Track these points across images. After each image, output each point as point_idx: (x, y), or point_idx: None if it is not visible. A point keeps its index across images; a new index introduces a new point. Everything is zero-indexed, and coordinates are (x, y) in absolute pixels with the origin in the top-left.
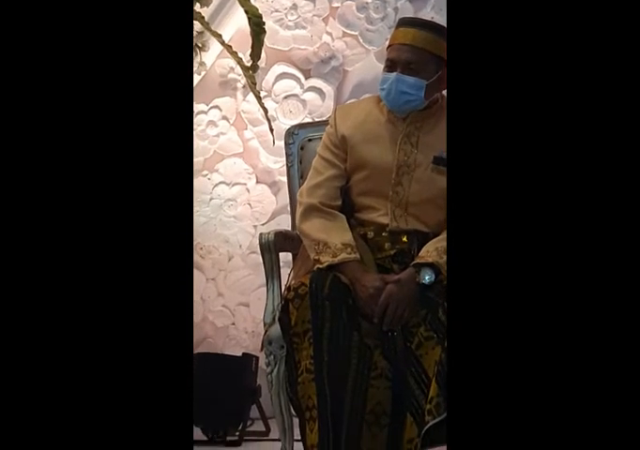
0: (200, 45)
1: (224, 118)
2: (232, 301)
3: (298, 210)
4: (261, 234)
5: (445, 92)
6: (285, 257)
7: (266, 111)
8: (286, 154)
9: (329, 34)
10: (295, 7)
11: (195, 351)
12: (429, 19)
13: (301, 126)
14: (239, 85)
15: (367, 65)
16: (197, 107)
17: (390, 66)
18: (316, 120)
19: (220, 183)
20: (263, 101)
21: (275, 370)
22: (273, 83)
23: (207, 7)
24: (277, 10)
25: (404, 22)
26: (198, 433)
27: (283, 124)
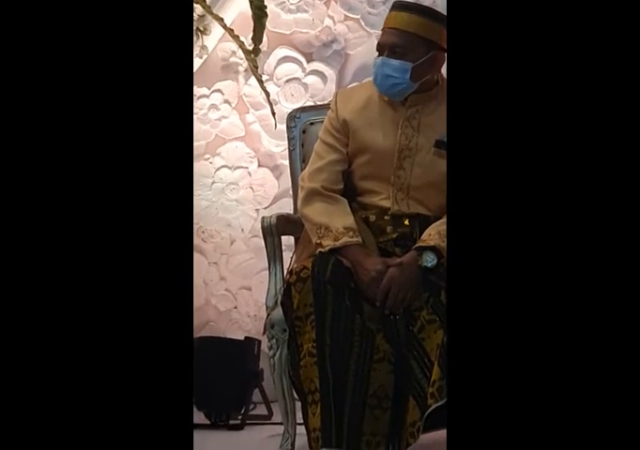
0: (202, 29)
1: (226, 102)
2: (234, 285)
3: (300, 194)
4: (263, 218)
5: (446, 74)
6: (287, 240)
7: (267, 94)
8: (288, 137)
9: (331, 17)
10: None
11: (198, 334)
12: (430, 3)
13: (303, 109)
14: (241, 69)
15: (369, 48)
16: (199, 91)
17: (379, 50)
18: (318, 104)
19: (222, 167)
20: (265, 85)
21: (277, 354)
22: (275, 67)
23: None
24: None
25: (395, 6)
26: (201, 417)
27: (285, 107)
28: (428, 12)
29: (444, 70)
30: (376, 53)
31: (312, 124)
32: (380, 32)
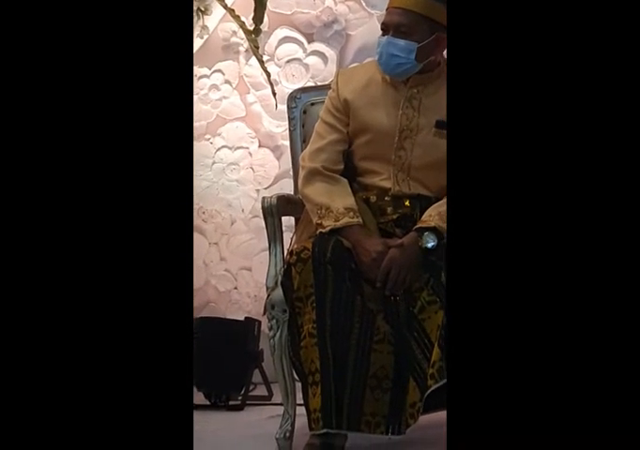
0: (202, 9)
1: (227, 82)
2: (234, 265)
3: (301, 174)
4: (263, 198)
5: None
6: (288, 221)
7: (268, 75)
8: (289, 118)
9: None
10: None
11: (198, 315)
12: None
13: (304, 90)
14: (242, 49)
15: (370, 29)
16: (200, 71)
17: (384, 29)
18: (319, 84)
19: (223, 147)
20: (265, 65)
21: (277, 335)
22: (276, 47)
23: None
24: None
25: None
26: (200, 398)
27: (286, 88)
28: None
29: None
30: (379, 33)
31: (312, 104)
32: (380, 12)
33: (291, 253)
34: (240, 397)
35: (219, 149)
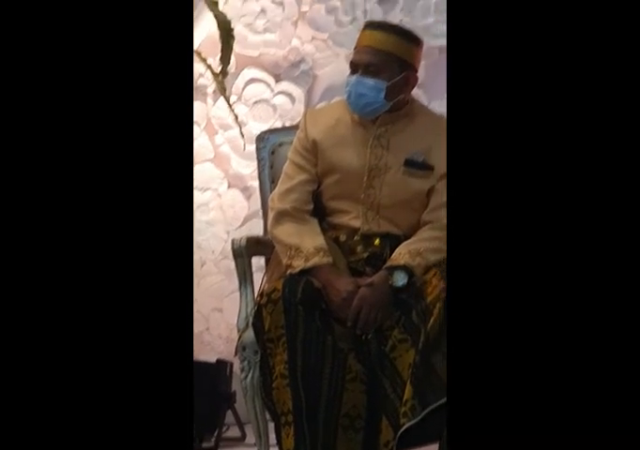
0: None
1: (195, 123)
2: (205, 306)
3: (270, 215)
4: (233, 240)
5: (419, 94)
6: (258, 261)
7: (236, 116)
8: (257, 159)
9: (299, 37)
10: (264, 11)
11: None
12: (397, 21)
13: (272, 131)
14: (209, 91)
15: (337, 68)
16: None
17: (353, 68)
18: (287, 124)
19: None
20: (233, 106)
21: (249, 376)
22: (243, 88)
23: None
24: (246, 15)
25: (369, 25)
26: None
27: (254, 129)
28: (402, 32)
29: (443, 63)
30: (346, 72)
31: (280, 145)
32: (348, 51)
33: (261, 294)
34: (213, 439)
35: None
